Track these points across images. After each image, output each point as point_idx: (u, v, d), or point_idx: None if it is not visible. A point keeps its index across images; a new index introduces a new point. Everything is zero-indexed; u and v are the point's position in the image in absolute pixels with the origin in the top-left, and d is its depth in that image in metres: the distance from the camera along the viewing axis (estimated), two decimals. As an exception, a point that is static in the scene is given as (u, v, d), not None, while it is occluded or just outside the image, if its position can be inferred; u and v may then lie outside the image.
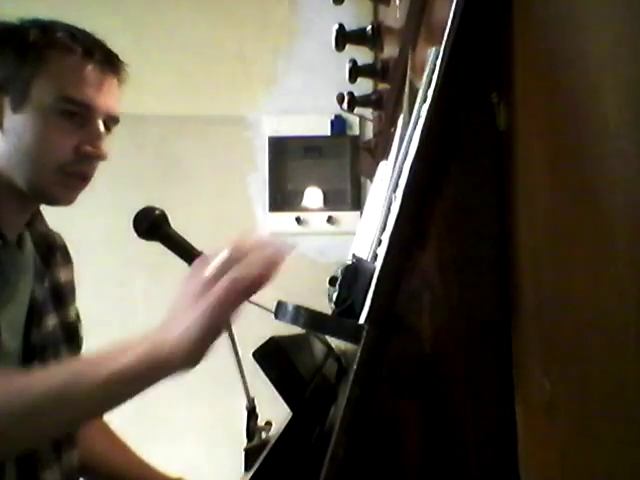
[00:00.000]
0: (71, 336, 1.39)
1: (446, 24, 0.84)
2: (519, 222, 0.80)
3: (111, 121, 1.29)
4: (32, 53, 1.22)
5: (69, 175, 1.24)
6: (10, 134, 1.22)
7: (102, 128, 1.26)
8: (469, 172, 0.83)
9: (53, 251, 1.38)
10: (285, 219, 3.29)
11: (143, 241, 1.45)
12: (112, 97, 1.28)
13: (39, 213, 1.36)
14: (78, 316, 1.44)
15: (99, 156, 1.26)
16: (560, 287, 0.69)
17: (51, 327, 1.33)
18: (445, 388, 0.80)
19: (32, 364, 1.25)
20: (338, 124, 3.30)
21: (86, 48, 1.24)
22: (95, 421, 1.46)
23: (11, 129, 1.22)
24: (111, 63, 1.27)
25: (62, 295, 1.38)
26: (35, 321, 1.28)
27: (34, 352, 1.26)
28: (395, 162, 1.11)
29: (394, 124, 1.51)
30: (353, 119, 3.24)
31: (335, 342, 1.19)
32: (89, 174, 1.27)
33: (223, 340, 1.44)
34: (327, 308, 0.96)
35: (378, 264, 0.85)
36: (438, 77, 0.84)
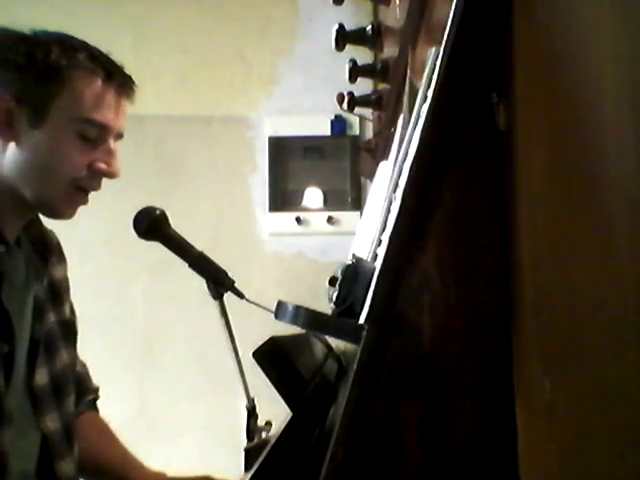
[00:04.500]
0: (67, 333, 1.42)
1: (446, 24, 0.84)
2: (519, 222, 0.80)
3: (118, 137, 1.33)
4: (55, 73, 1.25)
5: (77, 189, 1.28)
6: (25, 148, 1.26)
7: (114, 146, 1.31)
8: (469, 172, 0.83)
9: (50, 250, 1.40)
10: (285, 219, 3.29)
11: (143, 241, 1.45)
12: (124, 118, 1.33)
13: (37, 215, 1.38)
14: (73, 312, 1.47)
15: (112, 173, 1.30)
16: (560, 287, 0.69)
17: (50, 323, 1.36)
18: (445, 388, 0.80)
19: (37, 358, 1.29)
20: (338, 124, 3.30)
21: (107, 72, 1.28)
22: (87, 414, 1.50)
23: (27, 144, 1.26)
24: (127, 86, 1.31)
25: (58, 293, 1.42)
26: (37, 317, 1.32)
27: (37, 347, 1.30)
28: (395, 162, 1.11)
29: (394, 124, 1.51)
30: (353, 119, 3.24)
31: (335, 342, 1.19)
32: (96, 189, 1.31)
33: (223, 340, 1.45)
34: (327, 308, 0.96)
35: (378, 264, 0.85)
36: (438, 77, 0.84)
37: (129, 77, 1.32)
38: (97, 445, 1.51)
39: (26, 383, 1.28)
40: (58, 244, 1.46)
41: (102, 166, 1.28)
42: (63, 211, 1.30)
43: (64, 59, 1.25)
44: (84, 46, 1.29)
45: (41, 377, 1.30)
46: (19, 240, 1.33)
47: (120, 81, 1.29)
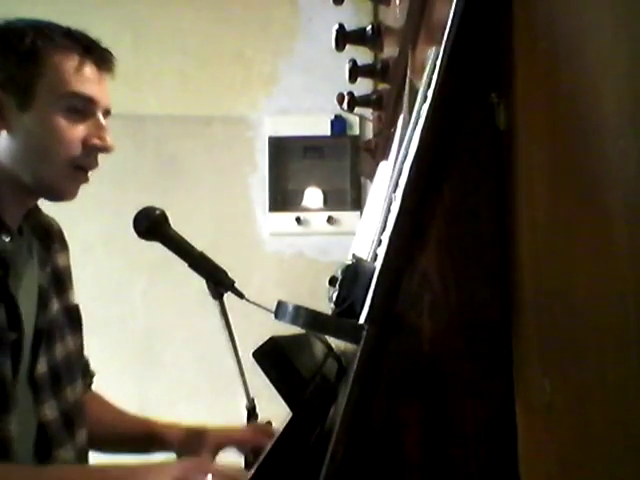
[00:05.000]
0: (73, 320, 1.43)
1: (446, 24, 0.84)
2: (519, 222, 0.80)
3: (106, 114, 1.35)
4: (34, 55, 1.26)
5: (77, 169, 1.30)
6: (18, 133, 1.27)
7: (104, 121, 1.32)
8: (469, 172, 0.83)
9: (51, 237, 1.41)
10: (285, 219, 3.29)
11: (143, 241, 1.45)
12: (107, 91, 1.34)
13: (36, 203, 1.39)
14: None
15: (106, 147, 1.32)
16: (560, 287, 0.69)
17: (55, 311, 1.37)
18: (445, 388, 0.80)
19: (40, 348, 1.30)
20: (338, 124, 3.30)
21: (85, 46, 1.30)
22: (88, 394, 1.51)
23: (19, 128, 1.27)
24: (107, 59, 1.33)
25: (62, 280, 1.42)
26: (41, 306, 1.33)
27: (41, 336, 1.31)
28: (395, 162, 1.11)
29: (394, 124, 1.51)
30: (353, 119, 3.24)
31: (335, 342, 1.19)
32: (94, 166, 1.33)
33: (223, 340, 1.44)
34: (327, 308, 0.96)
35: (378, 264, 0.85)
36: (438, 77, 0.84)
37: (107, 51, 1.33)
38: (107, 416, 1.53)
39: (29, 371, 1.28)
40: (60, 231, 1.47)
41: (96, 141, 1.30)
42: (65, 191, 1.31)
43: (40, 40, 1.27)
44: (58, 27, 1.31)
45: (41, 366, 1.31)
46: (21, 229, 1.34)
47: (99, 54, 1.31)
